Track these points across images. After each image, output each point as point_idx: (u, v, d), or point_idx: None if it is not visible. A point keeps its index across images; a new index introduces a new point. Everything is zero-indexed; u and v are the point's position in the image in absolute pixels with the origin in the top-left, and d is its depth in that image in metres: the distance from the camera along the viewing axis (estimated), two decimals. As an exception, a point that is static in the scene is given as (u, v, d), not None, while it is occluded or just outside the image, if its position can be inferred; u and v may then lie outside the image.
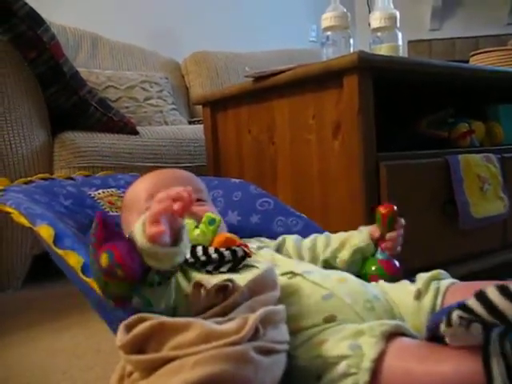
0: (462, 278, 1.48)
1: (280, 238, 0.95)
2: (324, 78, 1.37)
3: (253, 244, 0.89)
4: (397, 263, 0.87)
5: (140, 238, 0.57)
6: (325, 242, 0.92)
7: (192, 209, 0.87)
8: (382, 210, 0.92)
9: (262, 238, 0.95)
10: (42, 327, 1.49)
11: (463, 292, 0.66)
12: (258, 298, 0.58)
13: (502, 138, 1.67)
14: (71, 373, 1.17)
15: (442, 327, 0.49)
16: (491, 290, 0.47)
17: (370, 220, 1.29)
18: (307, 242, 0.93)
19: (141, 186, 0.92)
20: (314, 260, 0.90)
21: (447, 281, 0.69)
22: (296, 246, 0.92)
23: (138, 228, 0.59)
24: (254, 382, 0.48)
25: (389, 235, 0.88)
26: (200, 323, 0.49)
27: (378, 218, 0.93)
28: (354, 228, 1.33)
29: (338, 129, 1.37)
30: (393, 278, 0.80)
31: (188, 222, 0.73)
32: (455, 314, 0.48)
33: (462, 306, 0.48)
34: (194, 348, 0.47)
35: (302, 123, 1.47)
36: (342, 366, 0.54)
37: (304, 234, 1.00)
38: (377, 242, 0.89)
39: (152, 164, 2.06)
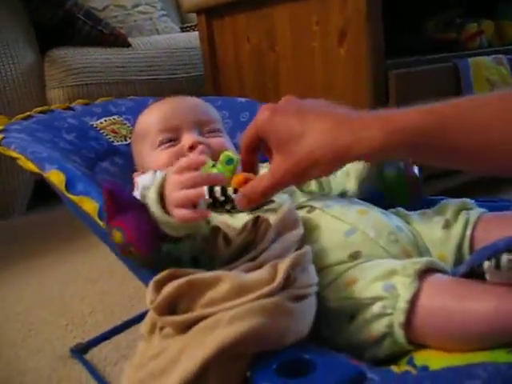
0: (463, 187, 1.48)
1: None
2: (327, -18, 1.28)
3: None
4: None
5: (156, 209, 0.55)
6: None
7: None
8: None
9: None
10: (53, 253, 1.50)
11: (495, 224, 0.64)
12: (284, 237, 0.57)
13: (514, 37, 1.59)
14: (89, 298, 1.19)
15: (488, 267, 0.48)
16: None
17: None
18: None
19: (153, 118, 0.88)
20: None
21: (477, 211, 0.67)
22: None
23: (152, 198, 0.56)
24: (290, 331, 0.47)
25: None
26: (230, 276, 0.48)
27: None
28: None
29: (343, 35, 1.30)
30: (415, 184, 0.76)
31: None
32: (505, 258, 0.46)
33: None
34: (227, 303, 0.46)
35: (304, 30, 1.40)
36: (376, 307, 0.53)
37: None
38: None
39: (146, 77, 1.99)
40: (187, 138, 0.83)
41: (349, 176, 0.82)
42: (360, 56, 1.25)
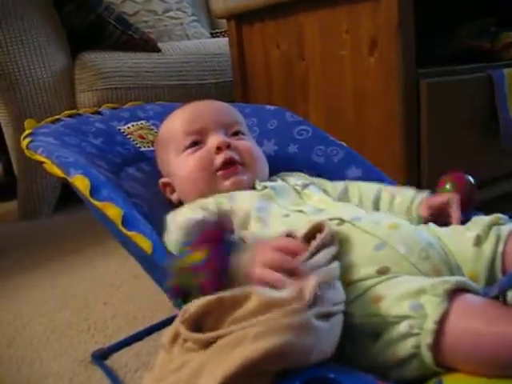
0: (501, 198, 1.45)
1: (324, 184, 0.89)
2: (359, -11, 1.27)
3: (296, 180, 0.85)
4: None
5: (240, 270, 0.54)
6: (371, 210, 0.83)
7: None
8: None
9: (303, 174, 0.90)
10: (77, 255, 1.51)
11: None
12: (319, 256, 0.55)
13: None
14: (112, 303, 1.19)
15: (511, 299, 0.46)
16: None
17: (407, 143, 1.24)
18: (355, 195, 0.85)
19: (177, 122, 0.87)
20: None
21: (508, 226, 0.65)
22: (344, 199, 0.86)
23: (246, 256, 0.55)
24: (314, 350, 0.46)
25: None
26: (259, 292, 0.47)
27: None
28: (390, 151, 1.28)
29: (374, 44, 1.28)
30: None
31: None
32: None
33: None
34: (253, 319, 0.45)
35: (334, 38, 1.38)
36: (403, 326, 0.51)
37: (344, 164, 0.95)
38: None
39: (176, 82, 1.99)
40: (214, 139, 0.82)
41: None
42: (391, 65, 1.23)
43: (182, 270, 0.53)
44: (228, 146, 0.81)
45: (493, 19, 1.52)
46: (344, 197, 0.85)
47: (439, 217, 0.75)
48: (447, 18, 1.60)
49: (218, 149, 0.81)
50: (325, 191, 0.84)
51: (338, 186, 0.87)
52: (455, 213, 0.74)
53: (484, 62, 1.38)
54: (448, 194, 0.76)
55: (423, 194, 0.80)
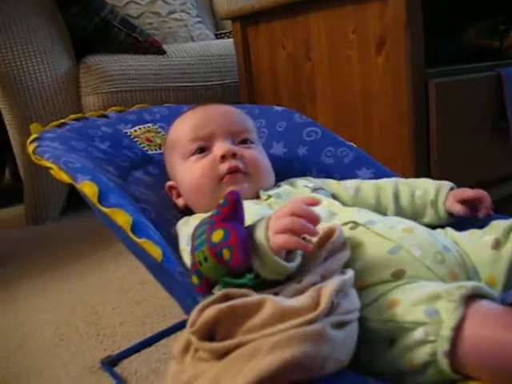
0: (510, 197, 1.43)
1: (334, 186, 0.87)
2: (366, -12, 1.25)
3: (307, 183, 0.84)
4: None
5: (261, 237, 0.52)
6: (393, 207, 0.83)
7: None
8: None
9: (311, 179, 0.89)
10: (85, 260, 1.50)
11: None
12: (331, 259, 0.54)
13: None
14: (121, 308, 1.18)
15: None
16: None
17: (416, 143, 1.22)
18: (370, 195, 0.84)
19: (185, 126, 0.85)
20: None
21: (529, 231, 0.64)
22: (356, 201, 0.84)
23: (261, 226, 0.54)
24: (330, 359, 0.45)
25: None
26: (272, 300, 0.45)
27: None
28: (399, 152, 1.26)
29: (381, 44, 1.26)
30: None
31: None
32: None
33: None
34: (268, 329, 0.44)
35: (341, 38, 1.37)
36: (418, 333, 0.50)
37: (355, 165, 0.94)
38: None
39: (181, 84, 1.98)
40: (219, 147, 0.81)
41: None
42: (399, 65, 1.22)
43: (205, 258, 0.52)
44: (233, 155, 0.80)
45: (501, 17, 1.50)
46: (358, 197, 0.84)
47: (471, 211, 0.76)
48: (455, 16, 1.59)
49: (223, 157, 0.80)
50: (334, 197, 0.83)
51: (349, 187, 0.86)
52: (486, 206, 0.75)
53: (493, 61, 1.37)
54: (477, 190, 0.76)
55: (446, 186, 0.80)
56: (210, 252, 0.51)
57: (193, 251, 0.54)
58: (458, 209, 0.76)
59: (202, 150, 0.83)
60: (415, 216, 0.81)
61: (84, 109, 1.82)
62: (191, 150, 0.83)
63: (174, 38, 2.34)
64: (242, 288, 0.50)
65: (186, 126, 0.85)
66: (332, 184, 0.87)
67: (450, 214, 0.78)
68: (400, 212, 0.82)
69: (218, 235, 0.51)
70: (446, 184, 0.80)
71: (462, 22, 1.57)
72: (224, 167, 0.79)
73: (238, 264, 0.51)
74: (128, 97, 1.84)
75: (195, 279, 0.54)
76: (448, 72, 1.26)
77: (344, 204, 0.80)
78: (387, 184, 0.85)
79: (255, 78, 1.72)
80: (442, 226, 0.73)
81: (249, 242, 0.52)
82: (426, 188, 0.82)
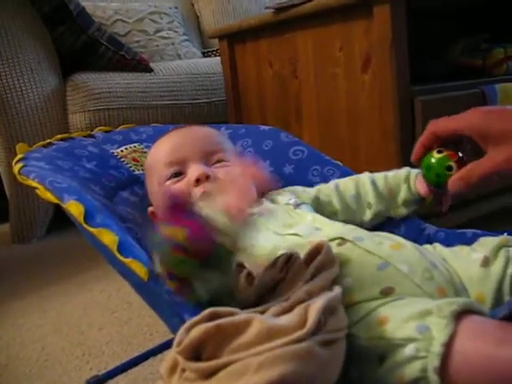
0: (495, 213, 1.44)
1: (314, 191, 0.88)
2: (351, 8, 1.27)
3: (289, 199, 0.84)
4: None
5: (219, 215, 0.55)
6: (372, 193, 0.85)
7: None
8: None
9: (299, 188, 0.89)
10: (71, 279, 1.49)
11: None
12: (319, 277, 0.54)
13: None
14: (107, 328, 1.16)
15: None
16: None
17: (402, 161, 1.23)
18: (350, 187, 0.87)
19: (159, 151, 0.86)
20: (360, 208, 0.86)
21: (518, 248, 0.64)
22: (338, 196, 0.87)
23: (216, 207, 0.56)
24: (318, 379, 0.44)
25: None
26: (260, 319, 0.45)
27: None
28: (386, 169, 1.26)
29: (367, 62, 1.28)
30: None
31: None
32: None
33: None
34: (256, 348, 0.43)
35: (327, 56, 1.38)
36: (409, 349, 0.49)
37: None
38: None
39: (168, 102, 1.98)
40: (194, 171, 0.81)
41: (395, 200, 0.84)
42: (385, 82, 1.23)
43: (177, 252, 0.53)
44: (207, 177, 0.80)
45: (485, 35, 1.52)
46: (339, 191, 0.87)
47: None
48: (440, 35, 1.61)
49: (197, 181, 0.80)
50: (318, 207, 0.84)
51: (328, 185, 0.90)
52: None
53: (476, 79, 1.39)
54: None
55: (416, 170, 0.83)
56: (175, 252, 0.52)
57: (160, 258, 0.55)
58: (423, 191, 0.79)
59: (178, 175, 0.83)
60: (392, 196, 0.84)
61: (70, 127, 1.81)
62: (166, 175, 0.83)
63: (161, 56, 2.35)
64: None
65: (161, 151, 0.86)
66: (313, 191, 0.88)
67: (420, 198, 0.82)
68: (379, 195, 0.85)
69: (179, 233, 0.53)
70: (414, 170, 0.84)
71: (447, 39, 1.59)
72: (198, 191, 0.79)
73: (205, 251, 0.53)
74: (115, 115, 1.83)
75: (170, 283, 0.55)
76: (433, 89, 1.28)
77: (328, 207, 0.85)
78: (362, 175, 0.90)
79: (242, 96, 1.73)
80: (430, 242, 0.73)
81: (207, 228, 0.54)
82: (396, 171, 0.86)
